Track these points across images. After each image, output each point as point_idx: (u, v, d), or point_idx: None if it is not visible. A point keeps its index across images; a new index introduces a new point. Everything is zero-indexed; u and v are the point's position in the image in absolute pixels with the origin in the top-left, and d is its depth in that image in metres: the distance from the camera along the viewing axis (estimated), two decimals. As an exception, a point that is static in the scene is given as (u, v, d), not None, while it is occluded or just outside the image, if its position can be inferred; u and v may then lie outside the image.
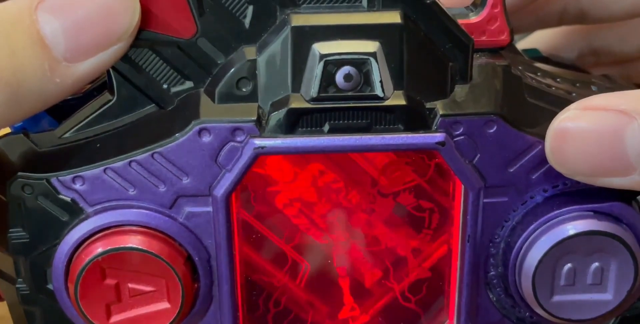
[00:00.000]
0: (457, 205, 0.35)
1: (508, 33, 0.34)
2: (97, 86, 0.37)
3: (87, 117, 0.34)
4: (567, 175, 0.33)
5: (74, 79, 0.31)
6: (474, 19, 0.34)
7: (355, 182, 0.36)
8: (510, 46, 0.36)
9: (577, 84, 0.37)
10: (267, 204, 0.36)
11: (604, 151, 0.31)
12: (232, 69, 0.32)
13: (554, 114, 0.34)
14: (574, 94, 0.36)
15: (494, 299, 0.36)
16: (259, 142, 0.32)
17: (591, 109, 0.31)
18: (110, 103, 0.33)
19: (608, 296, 0.34)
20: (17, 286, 0.34)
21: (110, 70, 0.33)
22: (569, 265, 0.34)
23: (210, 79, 0.33)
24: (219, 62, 0.33)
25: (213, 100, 0.32)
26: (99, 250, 0.32)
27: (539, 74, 0.37)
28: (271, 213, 0.36)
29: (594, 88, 0.37)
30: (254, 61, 0.32)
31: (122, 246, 0.33)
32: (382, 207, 0.36)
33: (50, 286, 0.34)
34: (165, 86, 0.33)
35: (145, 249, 0.33)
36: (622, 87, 0.38)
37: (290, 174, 0.36)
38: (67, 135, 0.34)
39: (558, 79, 0.37)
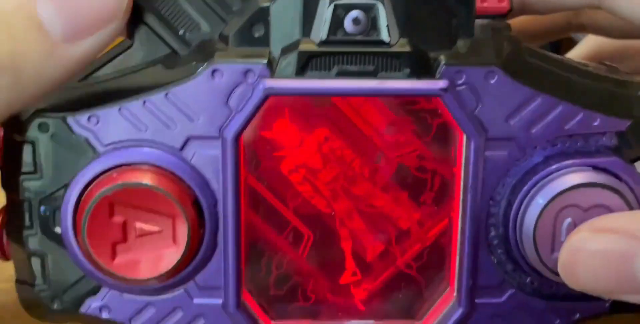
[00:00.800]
0: (458, 171, 0.36)
1: (508, 0, 0.36)
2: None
3: (105, 62, 0.35)
4: (579, 290, 0.33)
5: (74, 60, 0.32)
6: (475, -15, 0.36)
7: (359, 148, 0.37)
8: None
9: (574, 62, 0.39)
10: (273, 169, 0.37)
11: (613, 274, 0.32)
12: (246, 16, 0.34)
13: (552, 73, 0.35)
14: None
15: (495, 261, 0.36)
16: (269, 83, 0.33)
17: (602, 231, 0.32)
18: (128, 48, 0.35)
19: (608, 253, 0.35)
20: (25, 232, 0.35)
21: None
22: (568, 220, 0.34)
23: (224, 25, 0.34)
24: (234, 9, 0.34)
25: (227, 45, 0.34)
26: (110, 185, 0.33)
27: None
28: (276, 179, 0.37)
29: (589, 68, 0.39)
30: (267, 8, 0.34)
31: (132, 181, 0.33)
32: (385, 169, 0.37)
33: (57, 229, 0.35)
34: (181, 32, 0.35)
35: (155, 185, 0.33)
36: (616, 70, 0.39)
37: (297, 138, 0.37)
38: (84, 79, 0.35)
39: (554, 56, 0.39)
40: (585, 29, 0.46)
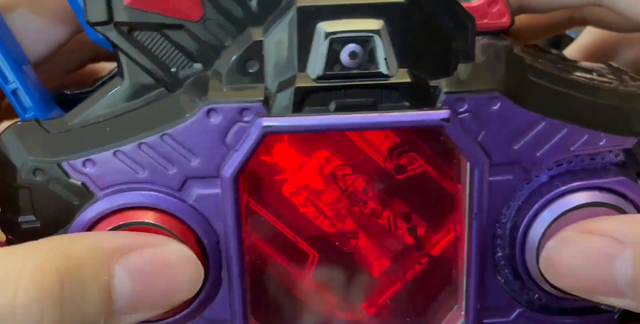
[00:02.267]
0: (462, 187, 0.35)
1: (509, 16, 0.35)
2: (106, 79, 0.37)
3: (97, 102, 0.34)
4: (561, 288, 0.34)
5: None
6: (475, 2, 0.35)
7: (362, 169, 0.36)
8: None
9: (578, 71, 0.38)
10: (274, 193, 0.36)
11: (593, 274, 0.32)
12: (239, 51, 0.33)
13: (557, 93, 0.34)
14: (575, 76, 0.36)
15: (503, 281, 0.36)
16: (266, 121, 0.33)
17: (588, 233, 0.33)
18: (120, 88, 0.34)
19: (615, 272, 0.35)
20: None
21: (120, 55, 0.34)
22: (573, 240, 0.34)
23: (217, 61, 0.33)
24: (226, 44, 0.33)
25: (221, 82, 0.33)
26: (111, 227, 0.33)
27: (539, 60, 0.37)
28: (279, 202, 0.37)
29: (594, 74, 0.38)
30: (260, 42, 0.33)
31: (134, 221, 0.33)
32: (389, 191, 0.37)
33: (60, 272, 0.34)
34: (173, 70, 0.34)
35: (157, 224, 0.33)
36: (621, 74, 0.38)
37: (297, 161, 0.36)
38: (77, 120, 0.34)
39: (559, 65, 0.38)
40: (587, 23, 0.45)
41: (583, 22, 0.45)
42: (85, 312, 0.30)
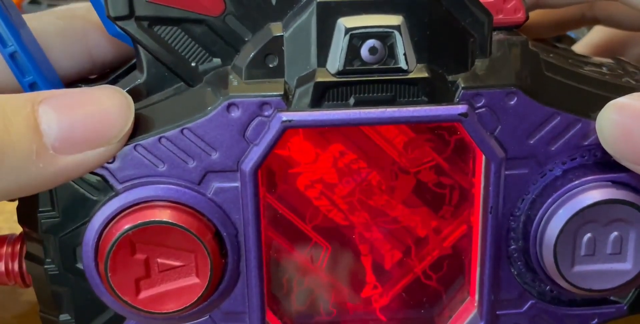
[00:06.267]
0: (477, 181, 0.36)
1: (523, 12, 0.35)
2: (121, 72, 0.38)
3: None
4: (620, 158, 0.33)
5: (57, 168, 0.31)
6: (490, -3, 0.35)
7: (376, 163, 0.37)
8: None
9: (589, 65, 0.38)
10: (289, 186, 0.37)
11: None
12: (259, 46, 0.33)
13: (571, 88, 0.35)
14: (586, 70, 0.37)
15: (515, 273, 0.36)
16: (286, 116, 0.33)
17: None
18: (140, 82, 0.34)
19: (627, 266, 0.35)
20: (46, 266, 0.35)
21: (140, 49, 0.34)
22: (588, 235, 0.35)
23: (237, 56, 0.34)
24: (246, 39, 0.33)
25: (240, 76, 0.33)
26: (130, 224, 0.33)
27: (551, 55, 0.38)
28: (293, 195, 0.37)
29: (604, 69, 0.38)
30: (280, 37, 0.33)
31: (152, 219, 0.33)
32: (403, 184, 0.37)
33: (79, 265, 0.35)
34: (193, 64, 0.34)
35: (174, 222, 0.33)
36: (630, 69, 0.39)
37: (311, 154, 0.37)
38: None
39: (570, 60, 0.38)
40: (597, 21, 0.45)
41: (594, 20, 0.45)
42: (11, 135, 0.30)
